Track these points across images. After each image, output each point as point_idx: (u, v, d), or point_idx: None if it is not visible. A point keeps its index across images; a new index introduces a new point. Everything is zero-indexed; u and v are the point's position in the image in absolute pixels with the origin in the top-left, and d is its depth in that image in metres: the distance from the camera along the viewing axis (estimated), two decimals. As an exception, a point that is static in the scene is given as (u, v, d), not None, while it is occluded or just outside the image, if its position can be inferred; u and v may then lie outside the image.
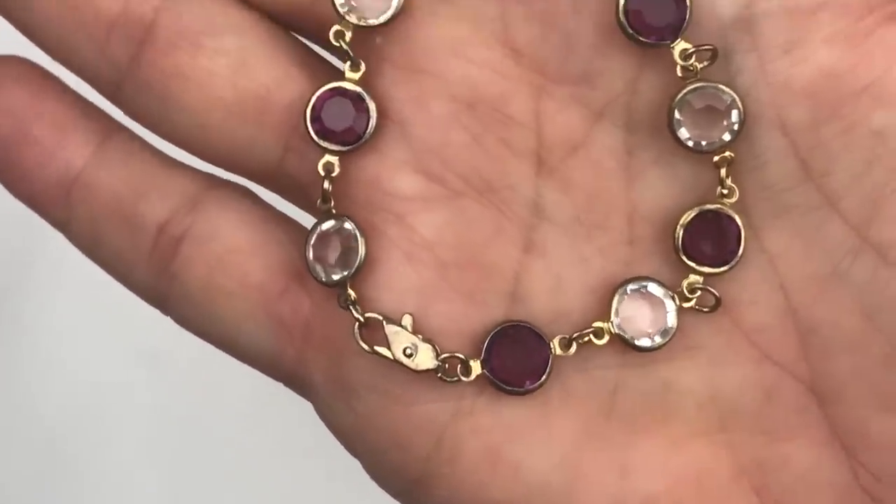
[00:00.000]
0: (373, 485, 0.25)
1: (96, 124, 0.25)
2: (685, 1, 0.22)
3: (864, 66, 0.21)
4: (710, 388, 0.23)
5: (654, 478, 0.23)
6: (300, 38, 0.25)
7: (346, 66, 0.23)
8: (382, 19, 0.23)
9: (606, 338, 0.23)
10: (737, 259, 0.22)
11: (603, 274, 0.23)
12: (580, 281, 0.23)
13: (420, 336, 0.23)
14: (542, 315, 0.23)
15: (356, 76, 0.23)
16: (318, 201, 0.23)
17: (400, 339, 0.23)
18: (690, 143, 0.22)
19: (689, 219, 0.23)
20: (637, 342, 0.23)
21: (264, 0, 0.24)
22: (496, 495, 0.23)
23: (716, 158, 0.22)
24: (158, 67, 0.24)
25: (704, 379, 0.23)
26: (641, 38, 0.22)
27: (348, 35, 0.23)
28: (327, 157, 0.23)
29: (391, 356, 0.23)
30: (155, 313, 0.26)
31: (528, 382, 0.23)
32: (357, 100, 0.23)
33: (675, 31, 0.22)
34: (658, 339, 0.23)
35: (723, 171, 0.22)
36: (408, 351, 0.23)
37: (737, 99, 0.22)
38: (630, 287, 0.23)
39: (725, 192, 0.22)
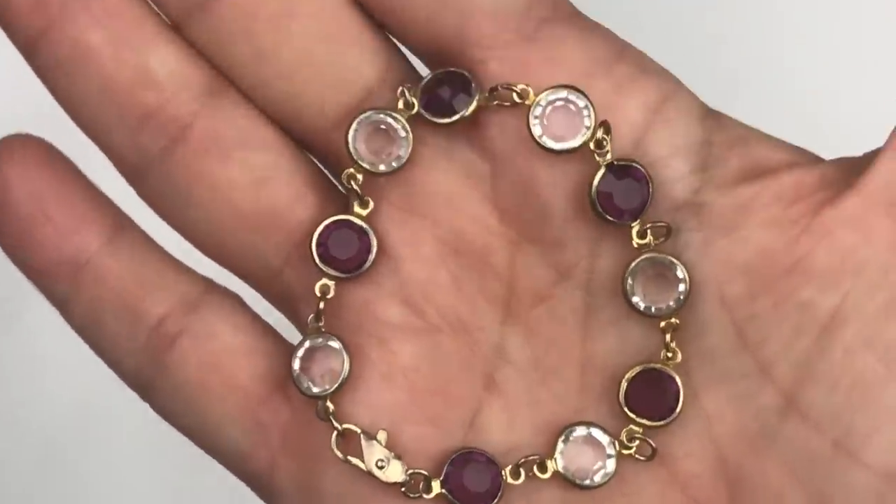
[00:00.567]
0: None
1: (110, 216, 0.26)
2: (648, 188, 0.24)
3: (793, 246, 0.23)
4: None
5: None
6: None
7: (354, 202, 0.25)
8: (394, 166, 0.25)
9: (550, 473, 0.25)
10: (674, 415, 0.24)
11: (553, 416, 0.25)
12: (532, 420, 0.25)
13: (391, 452, 0.25)
14: (495, 446, 0.25)
15: (364, 213, 0.25)
16: (310, 318, 0.25)
17: (374, 452, 0.25)
18: (641, 308, 0.24)
19: (633, 374, 0.25)
20: (578, 480, 0.25)
21: (285, 120, 0.25)
22: None
23: (662, 324, 0.24)
24: (187, 167, 0.25)
25: None
26: (608, 217, 0.24)
27: (360, 178, 0.25)
28: (325, 281, 0.25)
29: (364, 467, 0.25)
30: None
31: None
32: (361, 234, 0.25)
33: (637, 214, 0.24)
34: (597, 479, 0.25)
35: (668, 336, 0.24)
36: (380, 464, 0.25)
37: (684, 271, 0.24)
38: (576, 430, 0.25)
39: (670, 354, 0.24)
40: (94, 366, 0.41)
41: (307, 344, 0.25)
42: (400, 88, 0.25)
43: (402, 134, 0.25)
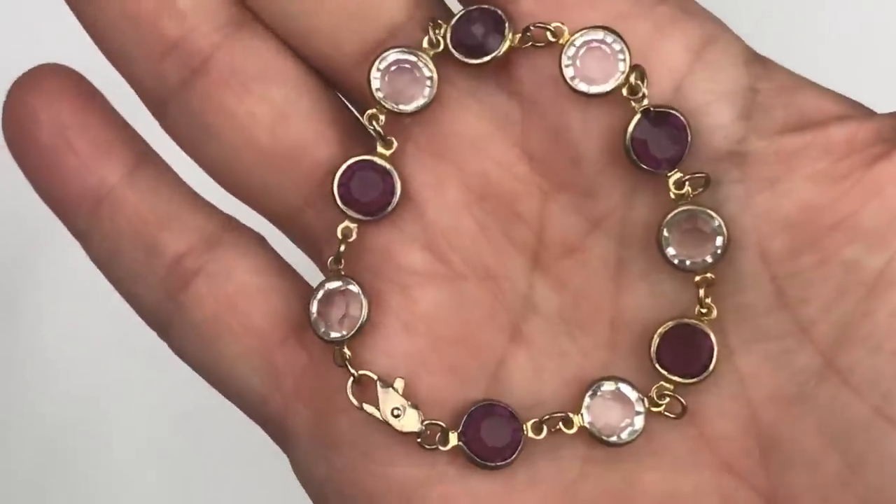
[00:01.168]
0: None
1: (133, 148, 0.26)
2: (686, 136, 0.23)
3: (840, 202, 0.23)
4: (669, 488, 0.24)
5: None
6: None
7: (377, 143, 0.24)
8: (415, 107, 0.24)
9: (575, 428, 0.24)
10: (707, 373, 0.24)
11: (580, 370, 0.25)
12: (558, 374, 0.25)
13: (408, 401, 0.24)
14: (519, 399, 0.25)
15: (388, 153, 0.24)
16: (330, 261, 0.25)
17: (390, 400, 0.24)
18: (676, 262, 0.23)
19: (666, 329, 0.24)
20: (604, 437, 0.24)
21: (310, 55, 0.25)
22: None
23: (697, 279, 0.23)
24: (205, 100, 0.24)
25: (665, 480, 0.24)
26: (643, 166, 0.23)
27: (382, 118, 0.24)
28: (347, 223, 0.24)
29: (379, 415, 0.24)
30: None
31: (498, 459, 0.24)
32: (385, 175, 0.24)
33: (674, 163, 0.23)
34: (624, 436, 0.24)
35: (702, 291, 0.24)
36: (396, 412, 0.24)
37: (723, 225, 0.23)
38: (604, 385, 0.24)
39: (704, 310, 0.24)
40: (94, 366, 0.41)
41: (326, 287, 0.25)
42: (426, 25, 0.24)
43: (427, 73, 0.24)
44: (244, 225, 0.27)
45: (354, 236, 0.25)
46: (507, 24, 0.23)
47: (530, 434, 0.24)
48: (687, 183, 0.23)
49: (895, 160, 0.22)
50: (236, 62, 0.25)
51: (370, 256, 0.25)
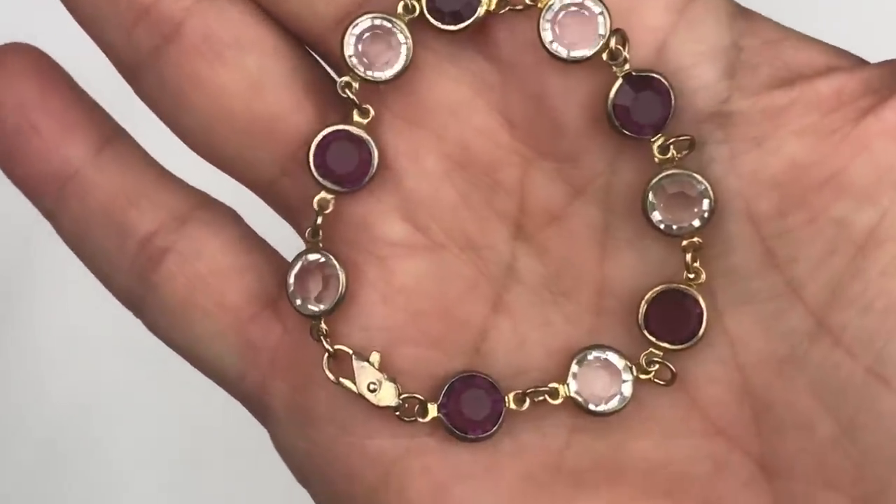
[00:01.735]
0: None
1: (100, 127, 0.26)
2: (670, 101, 0.22)
3: (828, 158, 0.22)
4: (660, 455, 0.24)
5: None
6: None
7: (353, 112, 0.24)
8: (389, 74, 0.23)
9: (561, 399, 0.24)
10: (696, 339, 0.23)
11: (566, 339, 0.24)
12: (543, 343, 0.24)
13: (385, 374, 0.24)
14: (502, 371, 0.24)
15: (364, 122, 0.24)
16: (307, 233, 0.24)
17: (366, 374, 0.24)
18: (662, 227, 0.23)
19: (654, 295, 0.23)
20: (591, 406, 0.24)
21: (284, 19, 0.24)
22: None
23: (684, 243, 0.23)
24: (177, 67, 0.24)
25: (656, 447, 0.24)
26: (626, 132, 0.23)
27: (356, 86, 0.24)
28: (323, 194, 0.24)
29: (355, 389, 0.24)
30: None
31: (478, 431, 0.24)
32: (361, 145, 0.24)
33: (658, 128, 0.23)
34: (613, 404, 0.24)
35: (689, 256, 0.23)
36: (371, 386, 0.24)
37: (709, 188, 0.23)
38: (591, 354, 0.24)
39: (692, 275, 0.23)
40: (94, 366, 0.41)
41: (303, 260, 0.24)
42: None
43: (402, 39, 0.23)
44: (216, 201, 0.26)
45: (331, 208, 0.24)
46: None
47: (512, 406, 0.24)
48: (671, 146, 0.23)
49: (882, 115, 0.22)
50: (209, 28, 0.24)
51: (348, 228, 0.24)
